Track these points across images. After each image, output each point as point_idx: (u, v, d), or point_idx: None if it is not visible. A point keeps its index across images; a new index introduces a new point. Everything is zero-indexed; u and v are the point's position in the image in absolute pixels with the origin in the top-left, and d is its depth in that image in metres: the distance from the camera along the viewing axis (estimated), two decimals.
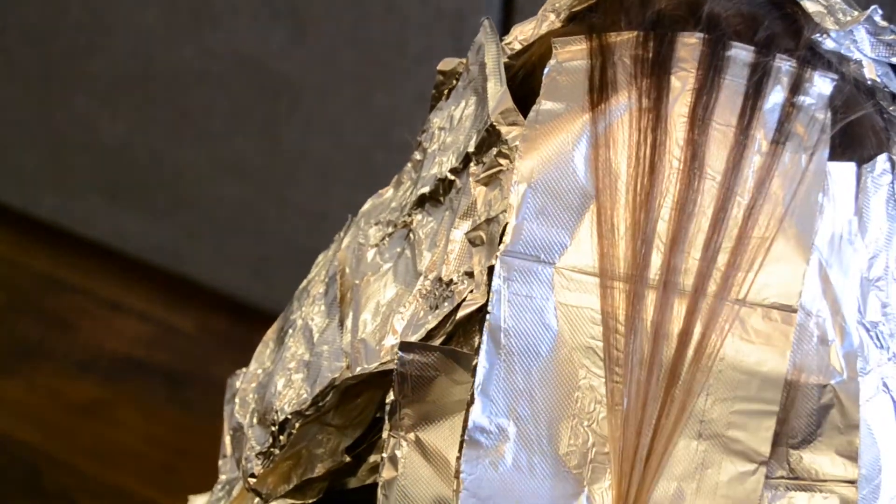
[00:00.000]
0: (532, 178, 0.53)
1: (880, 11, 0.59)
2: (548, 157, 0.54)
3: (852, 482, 0.52)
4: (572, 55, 0.56)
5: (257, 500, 0.63)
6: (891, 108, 0.59)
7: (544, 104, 0.55)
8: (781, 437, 0.52)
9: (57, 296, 1.78)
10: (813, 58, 0.57)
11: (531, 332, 0.53)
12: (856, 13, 0.59)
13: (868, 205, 0.55)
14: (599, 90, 0.55)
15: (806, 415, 0.53)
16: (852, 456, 0.52)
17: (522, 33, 0.61)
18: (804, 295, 0.53)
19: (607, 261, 0.53)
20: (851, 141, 0.56)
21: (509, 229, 0.53)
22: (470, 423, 0.52)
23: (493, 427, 0.52)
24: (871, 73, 0.58)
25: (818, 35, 0.58)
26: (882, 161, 0.55)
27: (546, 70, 0.55)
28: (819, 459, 0.52)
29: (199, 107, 1.63)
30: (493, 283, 0.52)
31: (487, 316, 0.52)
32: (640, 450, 0.52)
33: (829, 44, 0.58)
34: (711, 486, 0.52)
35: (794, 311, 0.52)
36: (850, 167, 0.54)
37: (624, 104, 0.54)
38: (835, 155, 0.55)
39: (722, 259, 0.53)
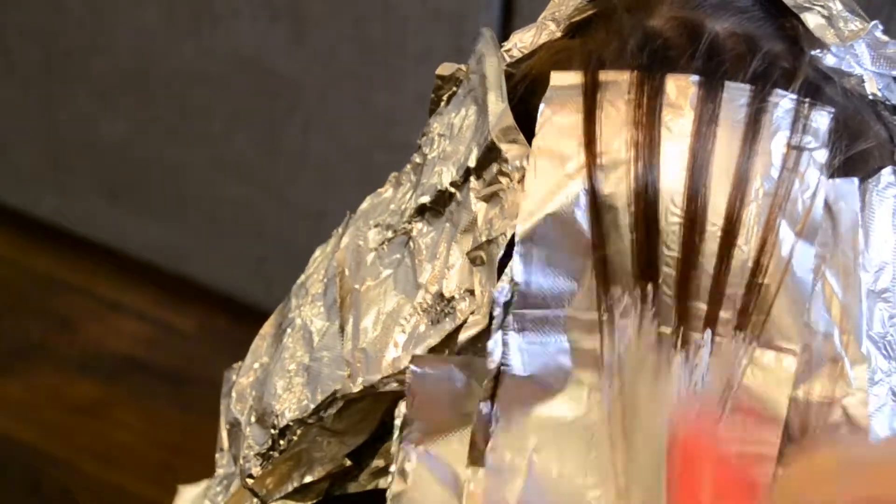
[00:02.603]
0: (535, 233, 0.54)
1: (881, 27, 0.59)
2: (549, 213, 0.54)
3: None
4: (568, 91, 0.56)
5: (255, 500, 0.63)
6: (893, 119, 0.59)
7: (541, 152, 0.55)
8: (792, 457, 0.53)
9: (57, 296, 1.78)
10: (814, 76, 0.57)
11: (545, 374, 0.54)
12: (858, 23, 0.59)
13: (873, 218, 0.55)
14: (596, 136, 0.55)
15: (815, 432, 0.53)
16: None
17: (522, 41, 0.61)
18: (811, 313, 0.53)
19: (616, 306, 0.53)
20: (857, 158, 0.56)
21: (518, 288, 0.53)
22: (488, 462, 0.53)
23: (509, 464, 0.53)
24: (872, 87, 0.58)
25: (818, 51, 0.57)
26: (887, 174, 0.56)
27: (541, 107, 0.55)
28: None
29: (199, 107, 1.63)
30: (508, 336, 0.54)
31: (503, 368, 0.53)
32: (649, 483, 0.53)
33: (829, 59, 0.58)
34: None
35: (795, 354, 0.53)
36: (852, 183, 0.54)
37: (618, 153, 0.54)
38: (841, 172, 0.55)
39: (727, 305, 0.53)
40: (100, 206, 1.76)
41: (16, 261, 1.82)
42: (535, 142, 0.55)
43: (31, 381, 1.69)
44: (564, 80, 0.56)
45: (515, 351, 0.53)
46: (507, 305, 0.54)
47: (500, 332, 0.53)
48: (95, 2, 1.62)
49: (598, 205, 0.54)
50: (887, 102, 0.59)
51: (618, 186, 0.54)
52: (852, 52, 0.58)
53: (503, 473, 0.53)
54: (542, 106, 0.55)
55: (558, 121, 0.55)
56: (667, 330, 0.53)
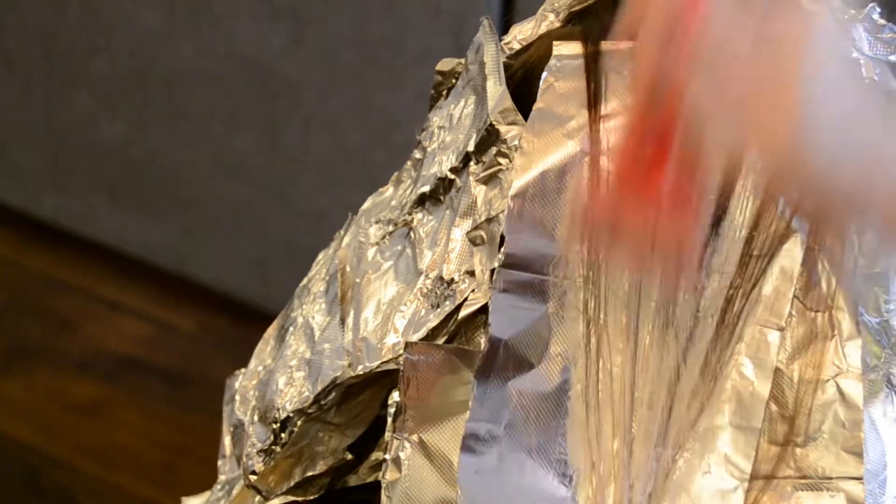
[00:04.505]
0: (528, 191, 0.54)
1: (878, 10, 0.59)
2: (544, 170, 0.54)
3: (859, 479, 0.52)
4: (570, 61, 0.56)
5: (258, 497, 0.63)
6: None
7: (541, 114, 0.55)
8: (788, 437, 0.53)
9: (57, 296, 1.78)
10: None
11: (525, 342, 0.53)
12: (853, 11, 0.59)
13: None
14: (596, 103, 0.55)
15: (810, 412, 0.53)
16: (858, 452, 0.52)
17: (521, 33, 0.61)
18: (808, 293, 0.53)
19: (602, 271, 0.53)
20: None
21: (506, 243, 0.53)
22: (466, 431, 0.53)
23: (486, 434, 0.53)
24: (868, 71, 0.58)
25: None
26: None
27: (544, 74, 0.55)
28: (825, 456, 0.53)
29: (198, 107, 1.63)
30: (492, 295, 0.53)
31: (488, 327, 0.53)
32: (628, 458, 0.53)
33: None
34: (697, 497, 0.52)
35: (782, 329, 0.53)
36: None
37: (620, 118, 0.54)
38: None
39: (717, 280, 0.53)
40: (100, 205, 1.76)
41: (16, 261, 1.82)
42: (535, 105, 0.55)
43: (31, 381, 1.69)
44: (567, 49, 0.56)
45: (497, 311, 0.53)
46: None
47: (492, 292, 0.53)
48: (95, 2, 1.62)
49: (594, 165, 0.54)
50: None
51: (616, 149, 0.54)
52: (849, 36, 0.58)
53: (480, 446, 0.53)
54: (544, 74, 0.55)
55: (560, 86, 0.55)
56: (650, 303, 0.53)
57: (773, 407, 0.53)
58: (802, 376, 0.53)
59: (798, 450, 0.53)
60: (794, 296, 0.53)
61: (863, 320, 0.54)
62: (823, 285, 0.54)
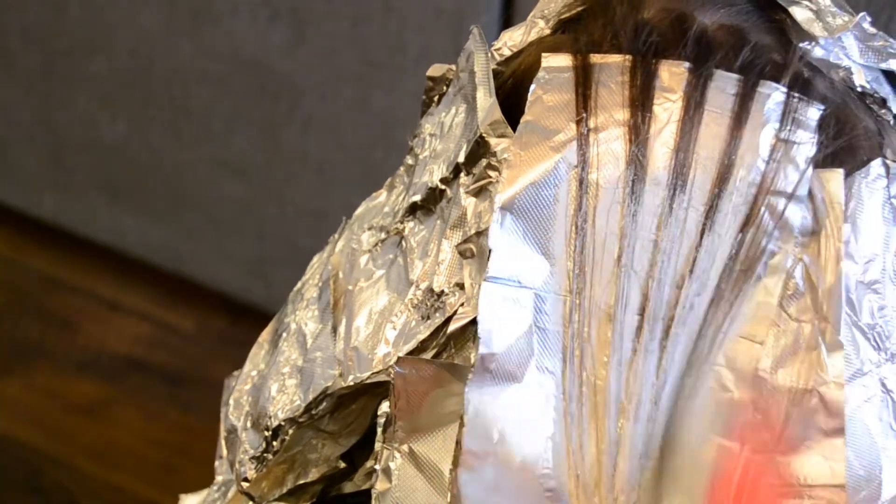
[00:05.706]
0: (514, 203, 0.53)
1: (869, 18, 0.60)
2: (531, 182, 0.54)
3: (840, 486, 0.52)
4: (559, 73, 0.56)
5: (251, 503, 0.64)
6: (881, 112, 0.59)
7: (528, 126, 0.55)
8: (770, 444, 0.53)
9: (57, 296, 1.78)
10: (803, 69, 0.57)
11: (512, 356, 0.53)
12: (846, 17, 0.59)
13: (862, 209, 0.55)
14: (584, 115, 0.55)
15: (793, 420, 0.53)
16: (839, 459, 0.52)
17: (511, 39, 0.61)
18: (794, 303, 0.53)
19: (588, 284, 0.53)
20: (846, 151, 0.56)
21: (492, 255, 0.53)
22: (463, 447, 0.53)
23: (480, 450, 0.53)
24: (860, 79, 0.58)
25: (807, 43, 0.58)
26: (876, 166, 0.56)
27: (532, 86, 0.55)
28: (807, 464, 0.53)
29: (199, 107, 1.63)
30: (479, 308, 0.53)
31: (477, 341, 0.53)
32: (612, 470, 0.53)
33: (817, 52, 0.58)
34: None
35: (762, 343, 0.53)
36: (838, 173, 0.54)
37: (608, 132, 0.54)
38: (829, 164, 0.55)
39: (700, 293, 0.53)
40: (100, 206, 1.76)
41: (16, 261, 1.83)
42: (523, 118, 0.55)
43: (31, 381, 1.69)
44: (556, 62, 0.56)
45: (484, 324, 0.53)
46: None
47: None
48: (95, 2, 1.62)
49: (583, 181, 0.54)
50: (875, 95, 0.59)
51: (605, 165, 0.54)
52: (840, 44, 0.58)
53: (473, 461, 0.53)
54: (532, 87, 0.55)
55: (548, 99, 0.55)
56: (634, 317, 0.53)
57: (757, 416, 0.53)
58: (786, 386, 0.53)
59: (781, 457, 0.53)
60: (780, 306, 0.53)
61: (856, 326, 0.54)
62: (809, 296, 0.54)
